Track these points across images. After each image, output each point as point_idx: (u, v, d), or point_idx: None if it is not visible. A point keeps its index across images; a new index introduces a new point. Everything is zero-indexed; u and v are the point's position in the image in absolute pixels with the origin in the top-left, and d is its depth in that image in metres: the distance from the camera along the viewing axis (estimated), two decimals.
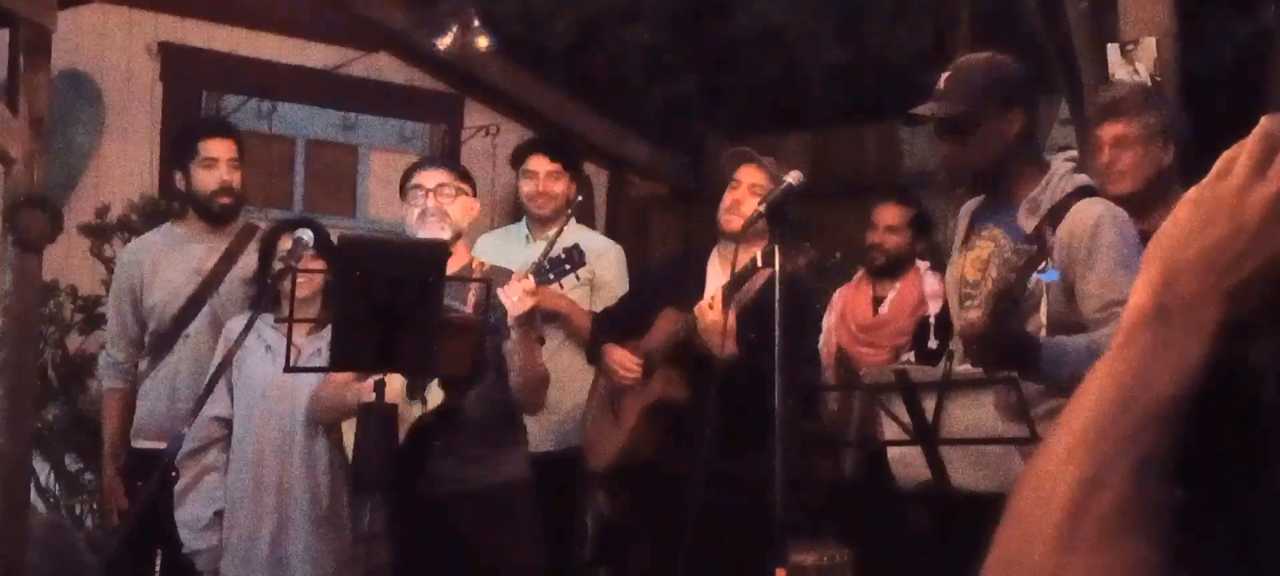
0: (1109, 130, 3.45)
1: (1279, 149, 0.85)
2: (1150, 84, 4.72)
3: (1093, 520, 0.76)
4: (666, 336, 4.15)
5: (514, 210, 7.18)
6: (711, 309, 3.93)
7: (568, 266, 3.65)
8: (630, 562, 4.23)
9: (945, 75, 3.16)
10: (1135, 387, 0.80)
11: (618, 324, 4.33)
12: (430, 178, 3.87)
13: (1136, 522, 0.76)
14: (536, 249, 4.87)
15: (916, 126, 3.30)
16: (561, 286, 4.18)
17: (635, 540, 4.24)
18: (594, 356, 4.37)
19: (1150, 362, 0.80)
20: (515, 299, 3.49)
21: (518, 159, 5.04)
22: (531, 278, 3.52)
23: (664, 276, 4.45)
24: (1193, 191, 0.86)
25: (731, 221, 4.19)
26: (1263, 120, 0.87)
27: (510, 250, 4.69)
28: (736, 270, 3.95)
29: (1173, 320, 0.82)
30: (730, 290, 3.93)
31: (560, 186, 4.90)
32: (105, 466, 4.45)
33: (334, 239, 3.85)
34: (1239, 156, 0.85)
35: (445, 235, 3.73)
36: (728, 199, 4.24)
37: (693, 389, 4.09)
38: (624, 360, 4.19)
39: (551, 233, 4.91)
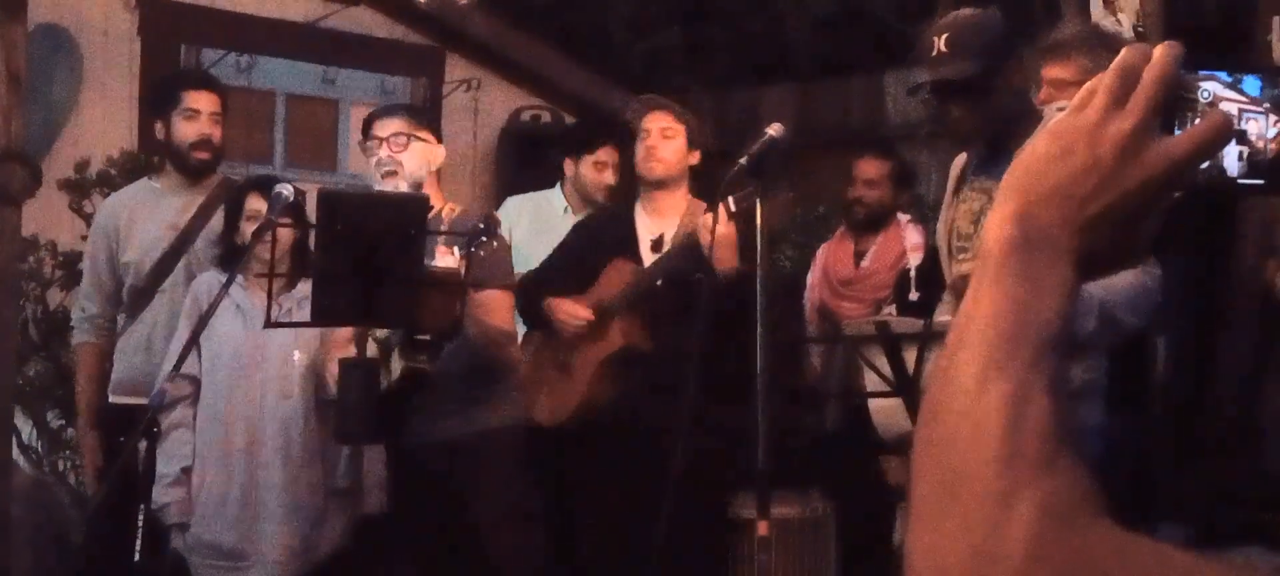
0: (1048, 71, 3.43)
1: (1137, 82, 0.82)
2: (1131, 33, 4.71)
3: (1031, 433, 0.74)
4: (624, 286, 4.12)
5: (495, 166, 7.16)
6: (719, 221, 3.88)
7: (484, 236, 3.53)
8: (602, 518, 4.16)
9: (943, 37, 3.08)
10: (1024, 315, 0.78)
11: (552, 282, 4.24)
12: (384, 127, 3.85)
13: (1067, 439, 0.75)
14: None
15: (918, 95, 3.25)
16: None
17: (604, 495, 4.16)
18: (530, 319, 4.26)
19: (1031, 289, 0.79)
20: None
21: (578, 149, 5.12)
22: (455, 252, 3.45)
23: (595, 231, 4.37)
24: (1053, 121, 0.84)
25: (653, 169, 4.21)
26: (1123, 51, 0.84)
27: (547, 221, 4.84)
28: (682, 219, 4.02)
29: (1035, 250, 0.80)
30: (730, 203, 3.89)
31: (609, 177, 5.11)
32: (79, 421, 4.46)
33: (304, 200, 3.85)
34: (1098, 88, 0.83)
35: (403, 188, 3.71)
36: (641, 149, 4.24)
37: (658, 337, 4.08)
38: (575, 310, 4.11)
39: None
